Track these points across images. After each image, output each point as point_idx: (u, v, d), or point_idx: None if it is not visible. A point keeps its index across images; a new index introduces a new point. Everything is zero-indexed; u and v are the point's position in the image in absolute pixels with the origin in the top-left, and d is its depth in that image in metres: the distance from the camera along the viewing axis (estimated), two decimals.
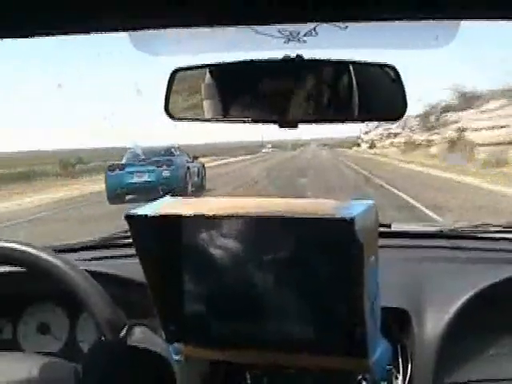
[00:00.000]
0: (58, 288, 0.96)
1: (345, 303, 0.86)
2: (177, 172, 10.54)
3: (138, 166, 10.57)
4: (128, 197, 10.02)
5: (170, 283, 0.94)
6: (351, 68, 0.92)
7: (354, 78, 0.92)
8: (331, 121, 0.99)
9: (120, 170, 10.46)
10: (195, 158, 12.04)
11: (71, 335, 1.28)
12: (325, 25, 0.76)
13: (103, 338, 0.91)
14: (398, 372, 1.03)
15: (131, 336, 0.92)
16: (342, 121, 0.99)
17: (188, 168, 10.97)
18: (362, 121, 0.97)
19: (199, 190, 11.15)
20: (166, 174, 10.41)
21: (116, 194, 10.06)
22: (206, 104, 0.97)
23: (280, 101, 0.93)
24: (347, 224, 0.78)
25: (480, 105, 25.04)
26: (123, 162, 10.87)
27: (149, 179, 10.28)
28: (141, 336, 0.93)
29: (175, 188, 9.91)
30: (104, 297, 0.96)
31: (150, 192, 9.41)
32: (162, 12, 0.57)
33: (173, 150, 11.50)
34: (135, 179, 10.28)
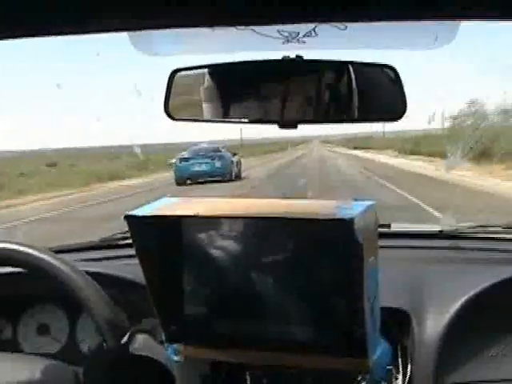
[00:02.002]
0: (57, 289, 0.96)
1: (344, 303, 0.86)
2: (225, 164, 14.69)
3: (198, 159, 14.63)
4: (188, 181, 13.93)
5: (169, 283, 0.94)
6: (351, 68, 0.93)
7: (353, 78, 0.93)
8: (331, 121, 0.99)
9: (186, 161, 14.65)
10: (234, 154, 15.95)
11: (71, 336, 1.28)
12: (324, 25, 0.76)
13: (105, 344, 0.91)
14: (398, 372, 1.03)
15: (133, 343, 0.93)
16: (342, 121, 1.00)
17: (232, 161, 15.08)
18: (362, 121, 0.97)
19: (238, 177, 14.94)
20: (218, 165, 14.54)
21: (182, 179, 14.03)
22: (205, 104, 0.97)
23: (280, 101, 0.93)
24: (347, 224, 0.78)
25: None
26: (186, 156, 15.02)
27: (206, 169, 14.39)
28: (143, 344, 0.94)
29: (224, 175, 14.00)
30: (104, 298, 0.96)
31: (206, 177, 13.63)
32: (162, 12, 0.57)
33: (220, 147, 15.73)
34: (197, 168, 14.38)
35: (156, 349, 0.95)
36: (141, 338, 0.94)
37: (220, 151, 15.27)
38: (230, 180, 13.87)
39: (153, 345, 0.96)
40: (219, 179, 13.64)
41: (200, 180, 13.71)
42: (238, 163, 15.77)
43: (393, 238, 1.42)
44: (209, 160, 14.62)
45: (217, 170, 14.37)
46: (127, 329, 0.94)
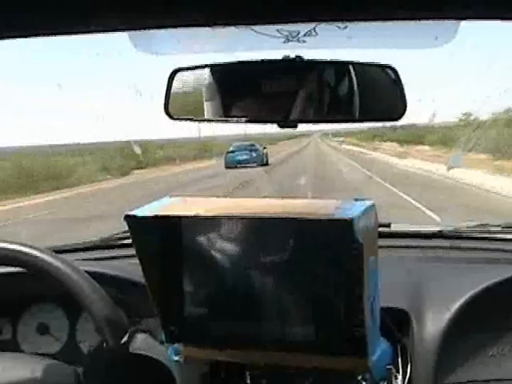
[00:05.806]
0: (57, 289, 0.96)
1: (344, 303, 0.86)
2: (260, 154, 20.19)
3: (241, 151, 20.08)
4: (231, 166, 19.21)
5: (169, 284, 0.94)
6: (351, 68, 0.93)
7: (353, 78, 0.93)
8: (331, 121, 0.99)
9: (232, 153, 20.12)
10: (264, 147, 21.39)
11: (71, 336, 1.28)
12: (324, 25, 0.76)
13: (105, 344, 0.91)
14: (398, 372, 1.03)
15: (133, 342, 0.93)
16: (342, 121, 1.00)
17: (263, 152, 20.52)
18: (362, 121, 0.97)
19: (266, 164, 20.00)
20: (254, 155, 20.01)
21: (230, 164, 19.19)
22: (205, 104, 0.97)
23: (279, 101, 0.93)
24: (347, 224, 0.78)
25: None
26: (232, 149, 20.46)
27: (246, 157, 19.66)
28: (143, 343, 0.94)
29: (258, 162, 19.31)
30: (104, 298, 0.96)
31: (247, 163, 18.73)
32: (162, 12, 0.57)
33: (254, 143, 21.15)
34: (239, 157, 19.74)
35: (156, 348, 0.96)
36: (141, 337, 0.94)
37: (255, 146, 20.91)
38: (262, 165, 19.11)
39: (153, 344, 0.96)
40: (255, 165, 18.95)
41: (242, 165, 18.91)
42: (266, 154, 21.30)
43: (393, 237, 1.42)
44: (248, 152, 20.24)
45: (254, 158, 19.90)
46: (127, 328, 0.94)
